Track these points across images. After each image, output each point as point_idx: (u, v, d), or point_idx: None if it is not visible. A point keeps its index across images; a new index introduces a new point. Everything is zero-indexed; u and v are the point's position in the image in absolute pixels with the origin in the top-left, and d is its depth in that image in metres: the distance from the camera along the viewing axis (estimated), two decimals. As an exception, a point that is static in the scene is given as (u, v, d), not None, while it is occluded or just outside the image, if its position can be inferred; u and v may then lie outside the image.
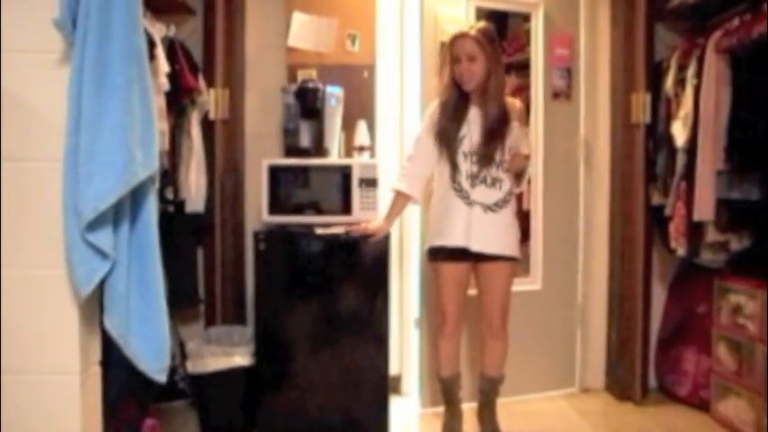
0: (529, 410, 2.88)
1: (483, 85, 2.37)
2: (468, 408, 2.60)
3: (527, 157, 2.43)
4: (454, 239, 2.39)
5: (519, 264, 2.54)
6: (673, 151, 2.77)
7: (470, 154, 2.39)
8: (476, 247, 2.38)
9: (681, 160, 2.71)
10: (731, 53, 2.51)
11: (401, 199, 2.49)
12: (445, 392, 2.55)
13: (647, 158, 2.93)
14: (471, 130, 2.40)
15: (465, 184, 2.40)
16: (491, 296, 2.46)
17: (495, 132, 2.37)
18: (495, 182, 2.41)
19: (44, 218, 1.59)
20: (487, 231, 2.39)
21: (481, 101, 2.40)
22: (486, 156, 2.37)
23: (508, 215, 2.44)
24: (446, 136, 2.40)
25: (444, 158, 2.42)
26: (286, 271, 2.54)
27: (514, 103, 2.49)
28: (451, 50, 2.40)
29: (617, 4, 3.01)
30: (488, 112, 2.38)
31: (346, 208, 2.57)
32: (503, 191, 2.41)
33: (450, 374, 2.53)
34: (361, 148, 2.76)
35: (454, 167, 2.40)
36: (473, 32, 2.37)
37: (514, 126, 2.41)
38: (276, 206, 2.59)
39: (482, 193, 2.39)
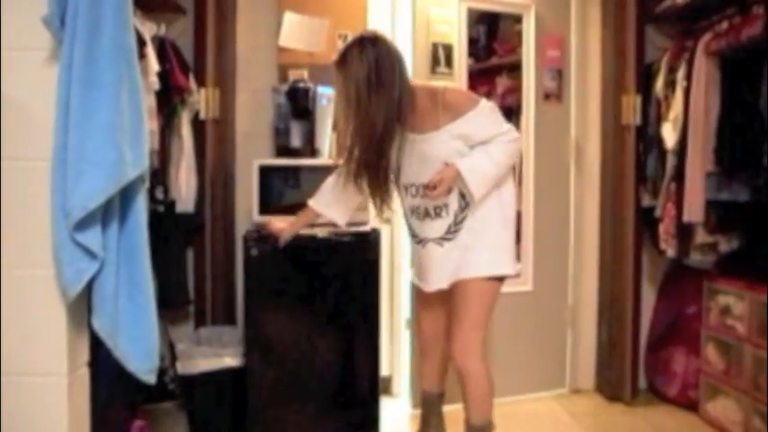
0: (519, 411, 2.89)
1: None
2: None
3: (450, 173, 1.97)
4: (421, 281, 2.19)
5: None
6: (663, 153, 2.78)
7: (409, 186, 2.10)
8: (442, 285, 2.10)
9: (671, 162, 2.72)
10: (721, 56, 2.53)
11: (310, 213, 2.29)
12: (422, 405, 2.36)
13: (638, 160, 2.94)
14: (406, 160, 2.08)
15: (412, 220, 2.16)
16: (454, 321, 2.10)
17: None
18: (438, 209, 2.07)
19: (32, 217, 1.58)
20: (445, 265, 2.07)
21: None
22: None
23: (471, 233, 2.05)
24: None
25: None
26: (276, 272, 2.52)
27: (444, 97, 2.00)
28: None
29: (608, 6, 3.03)
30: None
31: (337, 208, 2.55)
32: (450, 214, 2.06)
33: (427, 390, 2.32)
34: (353, 149, 2.75)
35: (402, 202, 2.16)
36: (337, 56, 2.03)
37: (436, 135, 2.01)
38: (266, 206, 2.58)
39: (430, 228, 2.10)
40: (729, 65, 2.51)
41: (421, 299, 2.28)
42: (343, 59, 2.00)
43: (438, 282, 2.10)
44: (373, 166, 2.02)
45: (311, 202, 2.26)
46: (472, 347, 2.06)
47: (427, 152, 2.02)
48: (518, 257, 2.20)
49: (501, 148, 2.01)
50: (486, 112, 2.02)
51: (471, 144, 2.02)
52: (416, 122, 2.02)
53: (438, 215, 2.07)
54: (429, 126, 2.01)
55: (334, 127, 2.75)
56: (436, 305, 2.23)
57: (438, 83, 2.15)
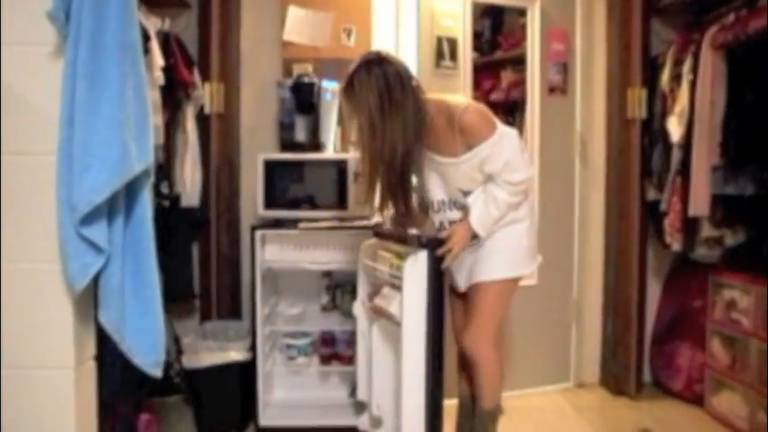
0: (524, 405, 2.89)
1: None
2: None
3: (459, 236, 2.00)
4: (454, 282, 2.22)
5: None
6: (668, 146, 2.77)
7: (431, 202, 2.14)
8: (463, 288, 2.16)
9: (676, 155, 2.71)
10: (727, 49, 2.51)
11: None
12: (458, 410, 2.33)
13: (643, 154, 2.93)
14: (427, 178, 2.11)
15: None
16: (468, 317, 2.14)
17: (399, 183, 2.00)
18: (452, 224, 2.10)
19: (38, 212, 1.58)
20: (460, 270, 2.13)
21: None
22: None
23: (486, 240, 2.06)
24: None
25: None
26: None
27: (461, 120, 1.92)
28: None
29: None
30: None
31: (342, 202, 2.56)
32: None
33: (460, 394, 2.32)
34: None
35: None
36: (344, 84, 1.98)
37: (455, 163, 1.98)
38: (271, 200, 2.58)
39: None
40: (736, 58, 2.50)
41: (452, 305, 2.25)
42: (351, 86, 1.94)
43: (459, 284, 2.14)
44: (399, 189, 1.98)
45: None
46: (482, 335, 2.08)
47: (447, 177, 2.03)
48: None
49: (508, 191, 1.96)
50: (502, 143, 1.93)
51: (486, 172, 1.97)
52: (432, 142, 1.97)
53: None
54: (447, 150, 1.97)
55: (340, 122, 2.75)
56: (460, 309, 2.24)
57: (454, 99, 2.03)
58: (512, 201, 1.98)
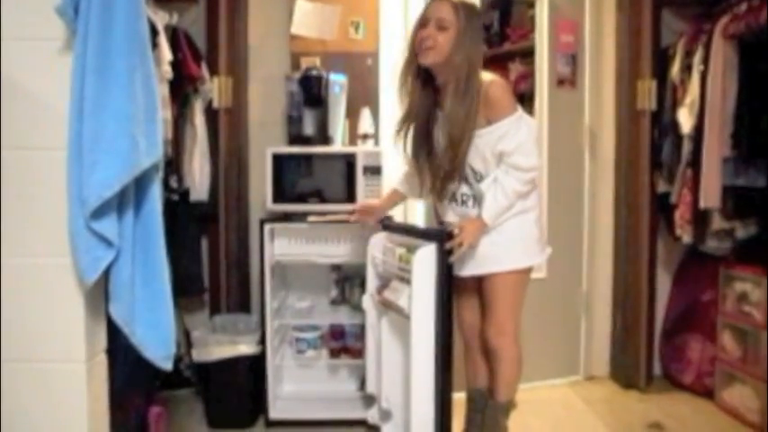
0: (533, 398, 2.89)
1: (449, 71, 1.96)
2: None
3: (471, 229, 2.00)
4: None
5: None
6: (678, 138, 2.75)
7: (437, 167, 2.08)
8: (461, 273, 2.11)
9: (687, 147, 2.69)
10: (738, 39, 2.49)
11: (397, 193, 2.34)
12: (467, 403, 2.32)
13: (653, 146, 2.91)
14: (438, 137, 2.05)
15: (434, 200, 2.20)
16: (485, 310, 2.15)
17: (458, 143, 1.96)
18: (465, 197, 2.10)
19: (49, 206, 1.59)
20: (464, 254, 2.05)
21: (445, 96, 1.98)
22: (450, 172, 2.02)
23: (495, 229, 2.04)
24: (416, 147, 2.09)
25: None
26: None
27: (488, 91, 1.96)
28: (422, 14, 2.02)
29: (623, -10, 2.99)
30: (451, 114, 1.95)
31: (350, 196, 2.56)
32: (476, 208, 2.06)
33: (472, 386, 2.30)
34: (365, 136, 2.75)
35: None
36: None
37: (483, 130, 1.97)
38: (280, 194, 2.58)
39: (453, 212, 2.14)
40: (748, 48, 2.47)
41: (458, 290, 2.19)
42: (471, 10, 1.98)
43: (458, 269, 2.10)
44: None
45: (395, 186, 2.33)
46: (506, 327, 2.11)
47: None
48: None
49: (516, 177, 1.99)
50: (520, 124, 1.97)
51: (498, 150, 1.98)
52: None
53: (464, 203, 2.10)
54: None
55: (348, 115, 2.74)
56: (473, 296, 2.22)
57: (482, 73, 2.02)
58: (520, 189, 2.01)
